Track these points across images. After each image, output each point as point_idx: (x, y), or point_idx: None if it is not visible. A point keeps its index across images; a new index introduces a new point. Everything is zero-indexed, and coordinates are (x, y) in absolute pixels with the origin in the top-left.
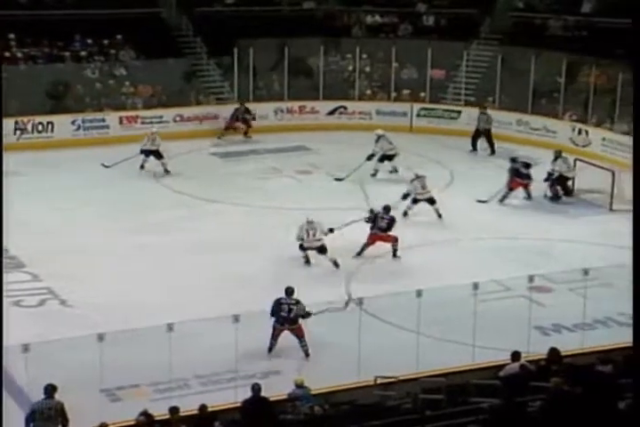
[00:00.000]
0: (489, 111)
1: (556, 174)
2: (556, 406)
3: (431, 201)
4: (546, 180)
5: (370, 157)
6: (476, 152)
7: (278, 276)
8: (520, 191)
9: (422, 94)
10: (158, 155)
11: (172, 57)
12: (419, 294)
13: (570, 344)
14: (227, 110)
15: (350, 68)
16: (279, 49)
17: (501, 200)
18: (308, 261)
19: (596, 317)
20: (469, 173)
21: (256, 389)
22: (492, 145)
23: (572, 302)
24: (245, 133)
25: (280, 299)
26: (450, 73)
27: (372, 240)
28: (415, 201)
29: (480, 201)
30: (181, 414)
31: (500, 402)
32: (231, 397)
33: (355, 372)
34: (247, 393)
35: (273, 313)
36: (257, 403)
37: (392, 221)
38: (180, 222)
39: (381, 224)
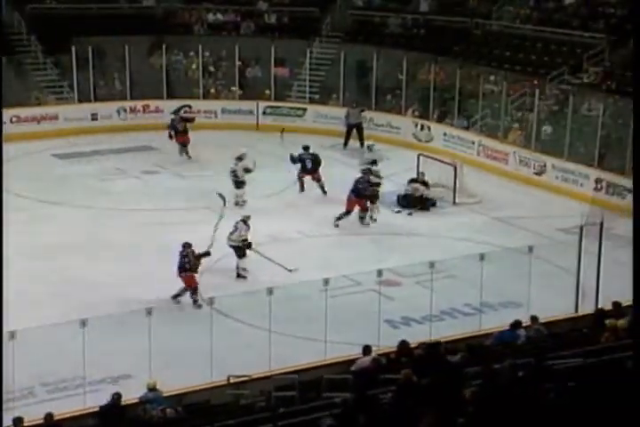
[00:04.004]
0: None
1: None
2: (406, 398)
3: None
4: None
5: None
6: (347, 147)
7: (122, 278)
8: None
9: (267, 92)
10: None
11: (4, 55)
12: (270, 291)
13: (419, 336)
14: (67, 110)
15: (194, 66)
16: (119, 47)
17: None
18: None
19: (442, 308)
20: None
21: (115, 398)
22: (362, 140)
23: (420, 295)
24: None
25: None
26: (294, 71)
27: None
28: None
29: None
30: (26, 424)
31: (352, 396)
32: (80, 403)
33: (207, 372)
34: (96, 399)
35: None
36: (113, 408)
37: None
38: (19, 226)
39: (308, 165)
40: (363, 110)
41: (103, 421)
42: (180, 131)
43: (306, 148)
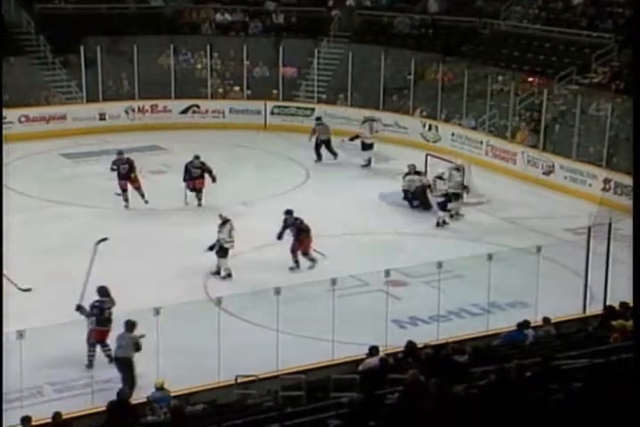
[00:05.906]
0: (324, 121)
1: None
2: (412, 397)
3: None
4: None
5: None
6: (321, 161)
7: (130, 278)
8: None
9: (275, 92)
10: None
11: (12, 55)
12: (277, 291)
13: (426, 336)
14: (75, 110)
15: (201, 66)
16: (128, 47)
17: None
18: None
19: (449, 308)
20: (324, 170)
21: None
22: (333, 153)
23: (427, 295)
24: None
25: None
26: (301, 71)
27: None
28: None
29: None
30: (34, 423)
31: (359, 396)
32: (87, 403)
33: (215, 372)
34: (104, 399)
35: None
36: (120, 404)
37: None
38: (27, 226)
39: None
40: (326, 127)
41: (110, 417)
42: (121, 173)
43: (120, 152)
